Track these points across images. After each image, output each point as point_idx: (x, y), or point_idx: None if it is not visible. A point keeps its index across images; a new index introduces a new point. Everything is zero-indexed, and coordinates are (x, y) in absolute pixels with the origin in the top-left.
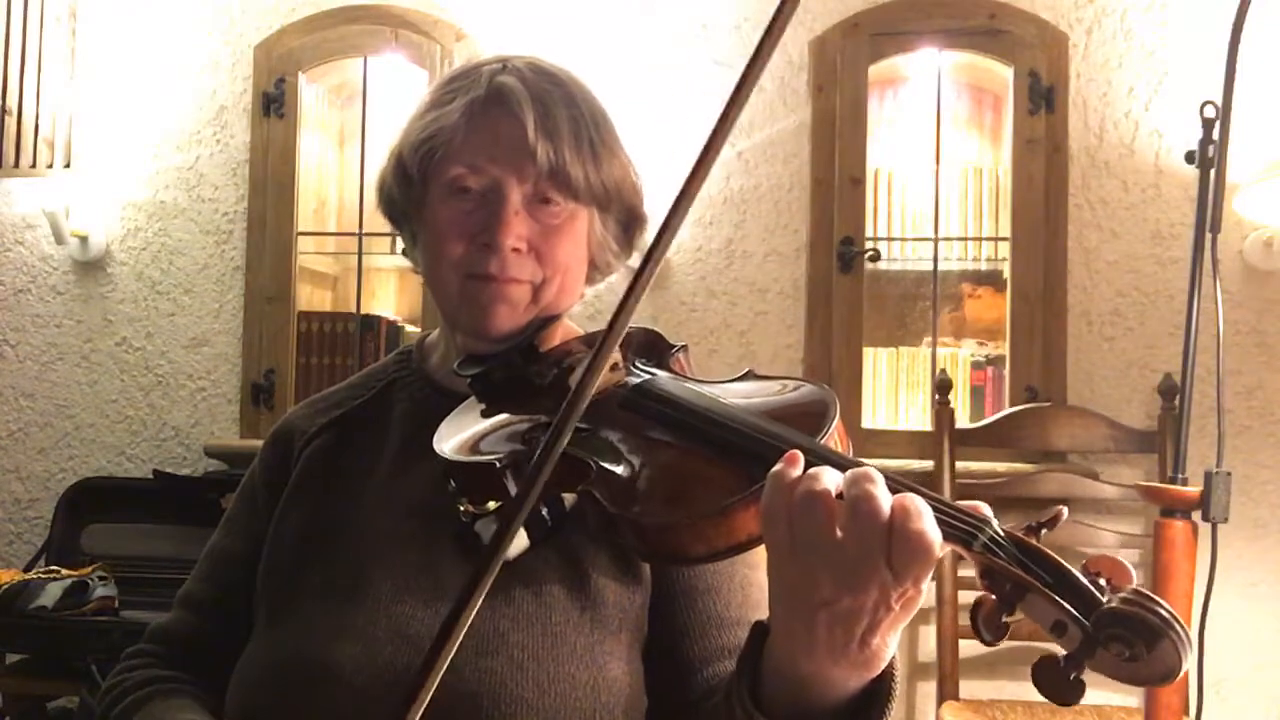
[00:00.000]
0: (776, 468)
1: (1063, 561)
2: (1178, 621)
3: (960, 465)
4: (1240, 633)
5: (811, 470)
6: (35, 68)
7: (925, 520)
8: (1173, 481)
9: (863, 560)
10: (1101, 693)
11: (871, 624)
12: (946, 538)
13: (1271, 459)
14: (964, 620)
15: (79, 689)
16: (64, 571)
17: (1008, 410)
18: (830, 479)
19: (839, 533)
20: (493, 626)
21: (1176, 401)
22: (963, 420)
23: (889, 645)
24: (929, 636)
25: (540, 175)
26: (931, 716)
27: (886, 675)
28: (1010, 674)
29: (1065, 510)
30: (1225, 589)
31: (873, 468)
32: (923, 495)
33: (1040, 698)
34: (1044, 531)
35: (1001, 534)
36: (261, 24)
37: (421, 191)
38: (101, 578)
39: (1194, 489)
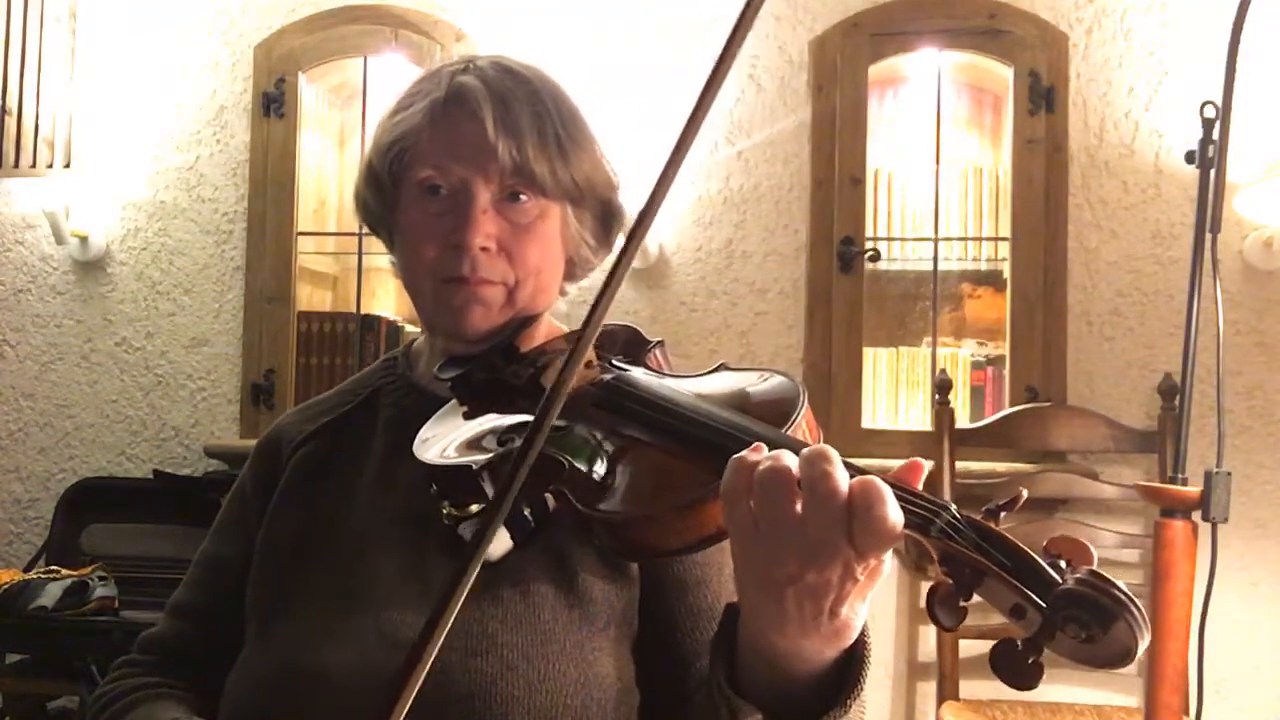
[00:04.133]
0: (737, 454)
1: (1021, 545)
2: (1133, 603)
3: (960, 465)
4: (1240, 633)
5: (772, 453)
6: (35, 68)
7: (888, 504)
8: (1173, 481)
9: (824, 538)
10: (1102, 693)
11: (839, 596)
12: (904, 524)
13: (1271, 459)
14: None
15: (79, 689)
16: (64, 571)
17: (1008, 410)
18: (789, 460)
19: (799, 510)
20: (482, 628)
21: (1176, 401)
22: (963, 420)
23: (858, 614)
24: (929, 636)
25: (504, 173)
26: (931, 716)
27: (860, 644)
28: None
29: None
30: (1225, 589)
31: (830, 448)
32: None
33: (1043, 697)
34: (1003, 515)
35: (959, 518)
36: (261, 24)
37: (394, 195)
38: (101, 578)
39: (1194, 489)
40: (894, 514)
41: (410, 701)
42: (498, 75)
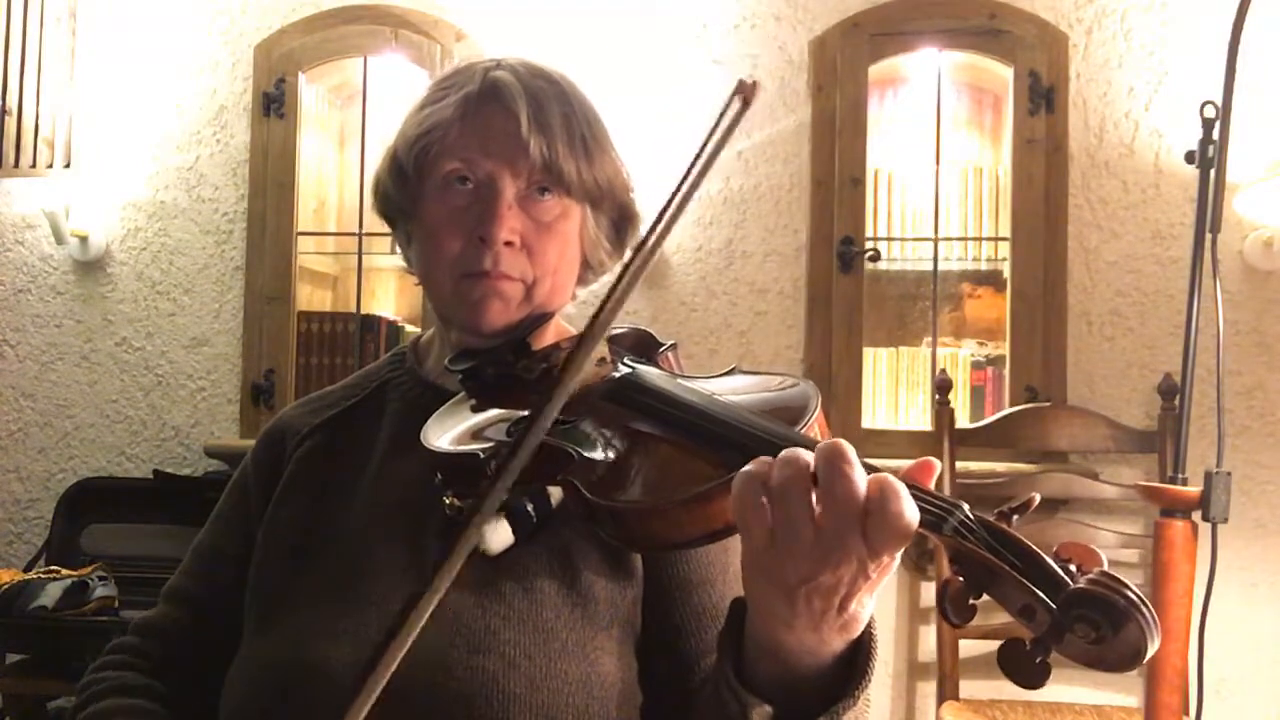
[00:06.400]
0: (747, 468)
1: (1033, 546)
2: (1145, 604)
3: (960, 465)
4: (1240, 633)
5: (785, 454)
6: (35, 68)
7: (904, 502)
8: (1173, 481)
9: (840, 538)
10: (1102, 693)
11: (850, 593)
12: (919, 522)
13: (1271, 459)
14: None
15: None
16: (64, 571)
17: (1008, 410)
18: (806, 459)
19: (817, 514)
20: (484, 624)
21: (1176, 401)
22: (963, 420)
23: (865, 608)
24: (929, 636)
25: (533, 169)
26: (931, 716)
27: (866, 634)
28: None
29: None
30: (1225, 589)
31: (846, 444)
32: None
33: (1043, 697)
34: (1016, 517)
35: (972, 518)
36: (261, 24)
37: (417, 188)
38: (101, 578)
39: (1194, 489)
40: (910, 512)
41: (384, 681)
42: (529, 74)
